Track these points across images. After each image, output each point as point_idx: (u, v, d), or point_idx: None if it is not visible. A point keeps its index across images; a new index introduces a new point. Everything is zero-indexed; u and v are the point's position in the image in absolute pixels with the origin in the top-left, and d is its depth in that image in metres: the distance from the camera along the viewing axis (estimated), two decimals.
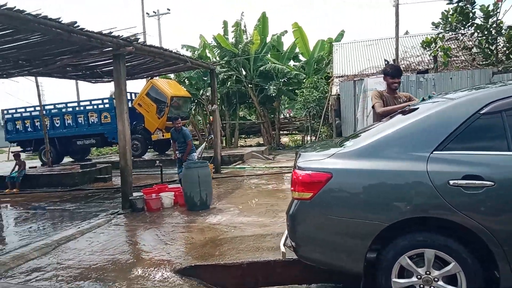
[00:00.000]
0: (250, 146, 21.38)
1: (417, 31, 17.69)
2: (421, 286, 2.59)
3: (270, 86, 18.73)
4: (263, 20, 19.19)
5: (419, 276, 2.59)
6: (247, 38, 19.62)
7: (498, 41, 8.33)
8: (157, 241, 5.42)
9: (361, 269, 2.70)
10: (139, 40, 6.80)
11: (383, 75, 4.43)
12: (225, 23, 19.37)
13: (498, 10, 7.90)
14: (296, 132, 23.21)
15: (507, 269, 2.38)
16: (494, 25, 7.81)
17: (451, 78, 8.38)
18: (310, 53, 20.20)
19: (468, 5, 8.03)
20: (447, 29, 8.49)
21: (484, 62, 8.52)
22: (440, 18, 8.53)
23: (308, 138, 20.19)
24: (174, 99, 15.36)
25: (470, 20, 8.36)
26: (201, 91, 20.72)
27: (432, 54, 9.51)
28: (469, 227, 2.41)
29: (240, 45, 18.71)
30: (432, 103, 2.86)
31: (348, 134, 10.89)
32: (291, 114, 26.51)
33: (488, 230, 2.37)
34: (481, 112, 2.50)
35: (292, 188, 3.00)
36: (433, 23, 8.67)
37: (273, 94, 18.86)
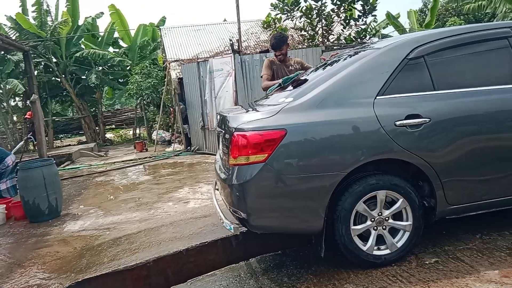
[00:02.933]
0: (69, 145, 18.66)
1: (232, 19, 18.84)
2: (375, 228, 2.66)
3: (91, 75, 16.67)
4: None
5: (372, 219, 2.64)
6: (52, 20, 16.82)
7: (320, 24, 9.54)
8: (7, 266, 4.04)
9: (321, 226, 2.57)
10: None
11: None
12: (23, 1, 16.05)
13: None
14: (123, 125, 21.53)
15: (442, 197, 2.66)
16: (319, 9, 8.94)
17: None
18: (132, 38, 18.91)
19: None
20: (284, 10, 9.22)
21: (310, 43, 9.64)
22: (278, 0, 9.20)
23: (140, 130, 19.05)
24: None
25: (300, 4, 9.30)
26: None
27: (271, 35, 10.18)
28: (414, 163, 2.58)
29: (47, 27, 15.89)
30: (358, 53, 2.95)
31: (195, 117, 10.67)
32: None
33: (429, 164, 2.59)
34: (409, 57, 2.70)
35: (235, 154, 2.62)
36: (271, 4, 9.30)
37: (96, 83, 16.87)
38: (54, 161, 5.86)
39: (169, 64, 12.73)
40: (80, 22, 17.77)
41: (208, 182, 6.93)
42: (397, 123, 2.55)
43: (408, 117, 2.57)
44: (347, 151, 2.55)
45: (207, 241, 3.76)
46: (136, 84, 13.69)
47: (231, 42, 9.32)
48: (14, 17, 15.20)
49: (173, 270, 3.67)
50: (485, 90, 2.71)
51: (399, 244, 2.66)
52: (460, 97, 2.68)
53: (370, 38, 9.78)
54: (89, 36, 18.20)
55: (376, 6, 9.14)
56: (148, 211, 5.51)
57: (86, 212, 5.78)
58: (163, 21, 20.40)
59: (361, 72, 2.72)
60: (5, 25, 16.04)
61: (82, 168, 10.73)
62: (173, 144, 12.40)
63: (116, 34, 19.23)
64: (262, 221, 2.64)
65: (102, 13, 18.49)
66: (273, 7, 9.38)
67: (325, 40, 9.67)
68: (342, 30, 10.01)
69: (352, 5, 9.47)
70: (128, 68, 18.83)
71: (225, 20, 20.49)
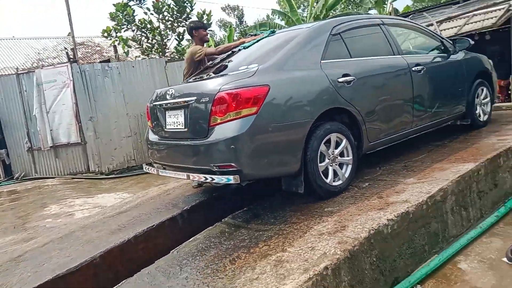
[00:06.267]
0: None
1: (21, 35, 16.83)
2: (331, 164, 3.31)
3: None
4: None
5: (329, 157, 3.28)
6: None
7: (156, 39, 9.83)
8: None
9: (299, 167, 3.03)
10: None
11: (196, 30, 4.46)
12: None
13: (164, 9, 9.37)
14: None
15: (365, 136, 3.53)
16: (153, 26, 9.20)
17: (133, 66, 8.94)
18: None
19: (139, 3, 9.02)
20: (123, 21, 9.02)
21: (147, 56, 9.77)
22: (116, 11, 8.91)
23: None
24: None
25: (134, 18, 9.36)
26: None
27: (112, 44, 9.68)
28: (350, 111, 3.38)
29: None
30: (290, 31, 3.63)
31: (17, 139, 9.00)
32: None
33: (358, 111, 3.43)
34: (332, 33, 3.53)
35: (221, 112, 2.85)
36: (110, 14, 8.90)
37: None
38: None
39: None
40: None
41: (76, 197, 6.14)
42: (339, 79, 3.31)
43: (344, 75, 3.37)
44: (312, 102, 3.10)
45: (154, 224, 3.59)
46: None
47: (66, 51, 8.48)
48: None
49: (122, 262, 3.35)
50: (377, 59, 3.82)
51: (346, 175, 3.36)
52: (365, 62, 3.67)
53: None
54: None
55: (211, 22, 10.15)
56: (25, 231, 4.58)
57: None
58: None
59: (303, 43, 3.35)
60: None
61: None
62: None
63: None
64: (254, 169, 2.88)
65: None
66: (111, 18, 9.09)
67: (161, 54, 10.00)
68: (177, 44, 10.57)
69: (185, 21, 10.18)
70: None
71: (13, 37, 17.87)
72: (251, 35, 4.43)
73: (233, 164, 2.83)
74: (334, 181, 3.30)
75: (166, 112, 3.50)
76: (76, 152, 8.59)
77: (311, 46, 3.38)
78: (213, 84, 3.04)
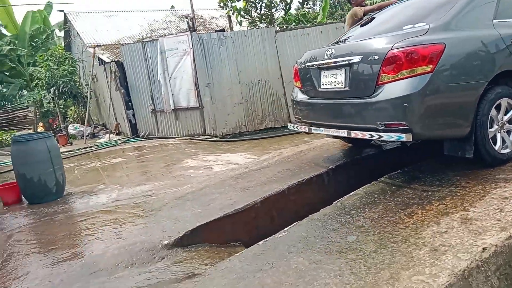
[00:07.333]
0: None
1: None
2: (499, 131, 3.17)
3: None
4: None
5: (497, 124, 3.14)
6: None
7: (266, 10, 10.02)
8: (67, 237, 3.42)
9: (468, 130, 2.94)
10: None
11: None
12: None
13: None
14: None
15: None
16: None
17: (246, 36, 9.29)
18: (19, 26, 16.44)
19: None
20: None
21: (254, 26, 10.02)
22: None
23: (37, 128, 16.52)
24: None
25: None
26: None
27: (227, 14, 10.17)
28: None
29: None
30: None
31: (143, 101, 9.94)
32: None
33: None
34: None
35: (394, 71, 2.84)
36: None
37: None
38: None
39: (94, 48, 11.53)
40: None
41: (205, 154, 6.68)
42: None
43: None
44: (486, 63, 2.97)
45: (304, 179, 3.80)
46: (48, 73, 11.94)
47: (187, 20, 9.05)
48: None
49: (277, 209, 3.63)
50: None
51: None
52: None
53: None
54: None
55: None
56: (173, 178, 5.10)
57: (95, 188, 5.03)
58: (50, 6, 18.22)
59: (473, 1, 3.20)
60: None
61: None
62: (106, 135, 11.28)
63: None
64: (424, 128, 2.87)
65: None
66: None
67: (268, 24, 10.18)
68: (283, 15, 10.65)
69: None
70: (17, 59, 16.25)
71: (124, 9, 19.33)
72: None
73: (403, 122, 2.84)
74: (502, 149, 3.17)
75: (322, 72, 3.60)
76: (194, 115, 9.24)
77: (482, 4, 3.19)
78: (382, 43, 3.03)
